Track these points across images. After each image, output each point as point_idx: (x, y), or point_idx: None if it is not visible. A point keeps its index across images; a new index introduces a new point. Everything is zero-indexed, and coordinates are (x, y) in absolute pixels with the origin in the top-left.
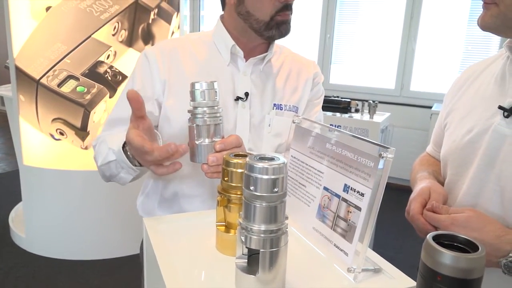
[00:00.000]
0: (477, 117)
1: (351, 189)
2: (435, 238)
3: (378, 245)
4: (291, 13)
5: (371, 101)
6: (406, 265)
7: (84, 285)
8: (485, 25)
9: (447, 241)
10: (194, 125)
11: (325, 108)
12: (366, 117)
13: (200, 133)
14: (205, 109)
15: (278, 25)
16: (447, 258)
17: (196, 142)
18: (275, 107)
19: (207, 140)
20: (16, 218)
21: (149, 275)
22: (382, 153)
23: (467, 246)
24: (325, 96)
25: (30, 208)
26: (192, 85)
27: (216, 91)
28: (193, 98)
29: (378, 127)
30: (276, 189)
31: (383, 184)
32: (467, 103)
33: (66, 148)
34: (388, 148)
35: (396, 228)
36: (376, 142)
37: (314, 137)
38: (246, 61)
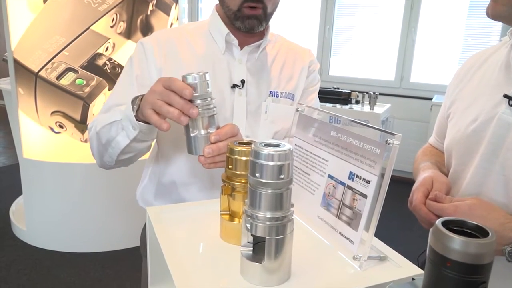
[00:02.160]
0: (481, 106)
1: (356, 177)
2: (444, 224)
3: (378, 238)
4: (263, 9)
5: (371, 93)
6: (407, 258)
7: (85, 277)
8: (496, 14)
9: (457, 227)
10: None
11: (325, 99)
12: (366, 108)
13: (194, 125)
14: (198, 101)
15: (244, 18)
16: (457, 243)
17: (191, 134)
18: (271, 95)
19: (202, 132)
20: (17, 211)
21: (153, 265)
22: (388, 139)
23: (477, 232)
24: (325, 88)
25: (31, 201)
26: (184, 78)
27: (208, 83)
28: None
29: (379, 118)
30: (282, 176)
31: (390, 171)
32: (471, 92)
33: (66, 141)
34: (395, 134)
35: (396, 220)
36: (382, 129)
37: (318, 125)
38: (241, 49)
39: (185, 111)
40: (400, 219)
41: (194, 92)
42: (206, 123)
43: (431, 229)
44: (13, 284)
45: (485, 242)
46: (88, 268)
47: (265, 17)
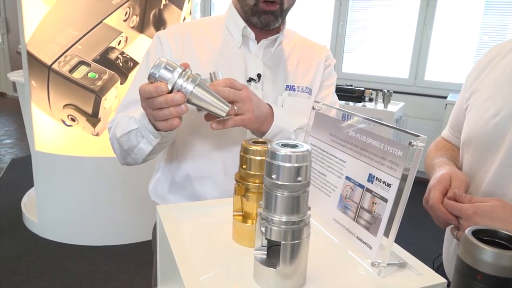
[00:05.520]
0: (503, 98)
1: (376, 179)
2: (474, 234)
3: None
4: (280, 4)
5: (385, 91)
6: (420, 258)
7: (95, 271)
8: None
9: (488, 237)
10: (189, 102)
11: (338, 96)
12: (380, 106)
13: (199, 101)
14: (178, 84)
15: (260, 14)
16: (489, 255)
17: (206, 108)
18: (287, 89)
19: (209, 100)
20: (29, 203)
21: (163, 264)
22: (412, 141)
23: (509, 243)
24: (338, 85)
25: (42, 194)
26: (149, 77)
27: (169, 63)
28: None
29: (393, 116)
30: (299, 178)
31: (413, 175)
32: (492, 83)
33: (78, 134)
34: (419, 136)
35: (406, 220)
36: (406, 130)
37: (336, 124)
38: (257, 43)
39: (173, 104)
40: (410, 218)
41: (164, 81)
42: (202, 90)
43: (461, 239)
44: (23, 275)
45: None
46: (98, 261)
47: (281, 13)
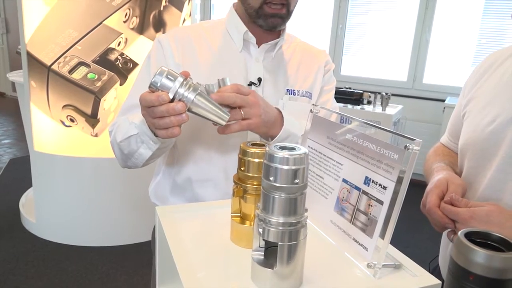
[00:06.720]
0: (500, 106)
1: (372, 182)
2: (467, 236)
3: None
4: (285, 8)
5: (383, 93)
6: (416, 261)
7: (93, 271)
8: None
9: (480, 239)
10: (190, 111)
11: (336, 99)
12: (378, 109)
13: (199, 110)
14: (179, 92)
15: (266, 16)
16: (481, 256)
17: (205, 116)
18: (288, 93)
19: (209, 107)
20: (27, 203)
21: (161, 265)
22: (407, 145)
23: (501, 245)
24: (337, 87)
25: (40, 194)
26: (150, 86)
27: (170, 72)
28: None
29: (391, 119)
30: (296, 180)
31: (408, 177)
32: (489, 91)
33: (76, 135)
34: (414, 139)
35: (404, 223)
36: (401, 134)
37: (333, 127)
38: (258, 47)
39: (174, 113)
40: (408, 221)
41: (166, 90)
42: (203, 99)
43: (454, 241)
44: (21, 276)
45: (510, 256)
46: (96, 262)
47: (288, 15)
